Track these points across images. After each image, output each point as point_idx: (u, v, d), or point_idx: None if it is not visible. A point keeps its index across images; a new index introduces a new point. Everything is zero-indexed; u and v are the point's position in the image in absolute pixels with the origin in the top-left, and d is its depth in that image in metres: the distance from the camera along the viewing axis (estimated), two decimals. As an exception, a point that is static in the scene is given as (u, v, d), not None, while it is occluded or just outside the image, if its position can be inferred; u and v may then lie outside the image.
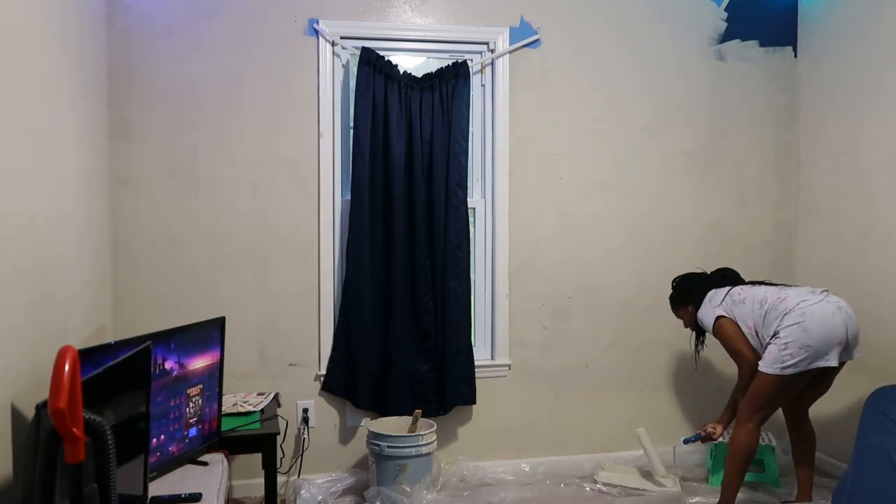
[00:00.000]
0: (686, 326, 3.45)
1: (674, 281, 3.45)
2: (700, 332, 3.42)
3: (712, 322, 3.17)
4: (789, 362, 2.90)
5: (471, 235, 3.67)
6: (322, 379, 3.57)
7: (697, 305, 3.30)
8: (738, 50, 3.93)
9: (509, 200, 3.73)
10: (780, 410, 3.28)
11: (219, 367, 2.77)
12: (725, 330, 3.13)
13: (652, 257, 3.87)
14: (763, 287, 3.17)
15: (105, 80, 3.25)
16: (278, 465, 2.99)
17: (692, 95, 3.88)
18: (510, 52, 3.68)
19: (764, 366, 2.96)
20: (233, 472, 3.42)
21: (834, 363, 2.92)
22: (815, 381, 3.09)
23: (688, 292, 3.37)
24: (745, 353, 3.08)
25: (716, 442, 3.46)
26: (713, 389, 3.88)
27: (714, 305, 3.20)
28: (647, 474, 3.68)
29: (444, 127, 3.55)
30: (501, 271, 3.74)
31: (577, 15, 3.76)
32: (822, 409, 3.83)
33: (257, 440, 2.93)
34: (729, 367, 3.87)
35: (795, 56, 4.00)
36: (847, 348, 2.98)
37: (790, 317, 2.93)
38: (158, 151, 3.39)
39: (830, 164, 3.79)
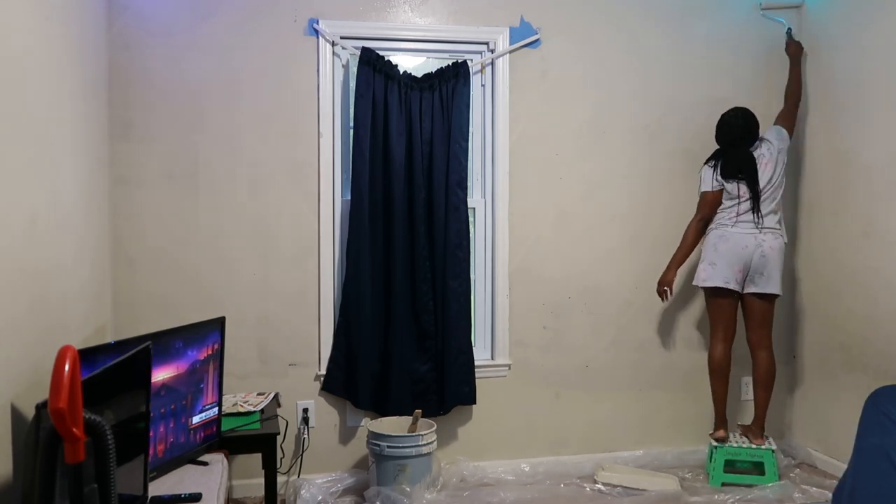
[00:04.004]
0: None
1: (725, 113, 3.68)
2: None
3: (702, 187, 3.68)
4: (701, 276, 3.61)
5: (471, 235, 3.67)
6: (322, 379, 3.57)
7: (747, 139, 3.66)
8: (739, 49, 3.94)
9: (509, 200, 3.73)
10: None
11: (219, 367, 2.77)
12: (702, 200, 3.69)
13: (652, 257, 3.86)
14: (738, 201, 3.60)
15: (105, 80, 3.25)
16: (278, 465, 2.99)
17: (692, 95, 3.88)
18: (510, 52, 3.68)
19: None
20: (233, 472, 3.42)
21: (733, 287, 3.54)
22: (746, 310, 3.65)
23: (716, 131, 3.71)
24: (700, 218, 3.69)
25: None
26: (713, 389, 3.87)
27: (710, 176, 3.65)
28: (647, 474, 3.68)
29: (444, 127, 3.55)
30: (501, 271, 3.74)
31: (578, 15, 3.76)
32: (822, 408, 3.83)
33: (257, 440, 2.93)
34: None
35: (795, 56, 4.00)
36: (751, 279, 3.55)
37: (711, 235, 3.64)
38: (158, 151, 3.39)
39: (830, 164, 3.79)
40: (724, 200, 3.63)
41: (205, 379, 2.69)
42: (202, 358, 2.66)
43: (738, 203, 3.58)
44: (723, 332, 3.64)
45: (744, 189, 3.57)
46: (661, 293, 3.70)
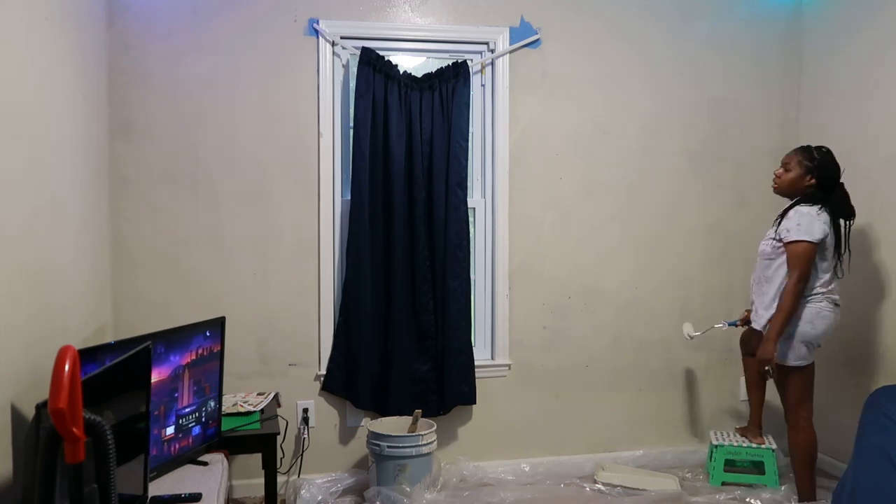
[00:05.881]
0: (776, 183, 3.28)
1: (822, 148, 3.21)
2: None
3: (804, 236, 3.05)
4: (800, 354, 3.16)
5: (471, 235, 3.67)
6: (322, 379, 3.57)
7: (815, 181, 3.16)
8: (739, 49, 3.94)
9: (509, 200, 3.73)
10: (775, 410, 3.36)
11: (219, 367, 2.77)
12: (805, 254, 3.06)
13: (652, 257, 3.87)
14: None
15: (105, 80, 3.25)
16: (278, 465, 3.00)
17: (692, 95, 3.88)
18: (510, 52, 3.68)
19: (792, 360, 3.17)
20: (233, 472, 3.42)
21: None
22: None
23: (825, 168, 3.17)
24: (801, 277, 3.07)
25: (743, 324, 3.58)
26: (712, 389, 3.88)
27: (822, 223, 3.06)
28: (647, 474, 3.68)
29: (444, 127, 3.55)
30: (501, 271, 3.74)
31: (578, 15, 3.76)
32: (822, 409, 3.83)
33: (257, 440, 2.93)
34: (728, 369, 3.87)
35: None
36: None
37: (809, 309, 3.13)
38: (158, 151, 3.39)
39: (830, 164, 3.79)
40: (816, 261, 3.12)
41: (180, 387, 2.54)
42: (184, 363, 2.56)
43: (833, 263, 3.16)
44: (811, 406, 3.25)
45: (835, 242, 3.14)
46: (765, 373, 3.16)
